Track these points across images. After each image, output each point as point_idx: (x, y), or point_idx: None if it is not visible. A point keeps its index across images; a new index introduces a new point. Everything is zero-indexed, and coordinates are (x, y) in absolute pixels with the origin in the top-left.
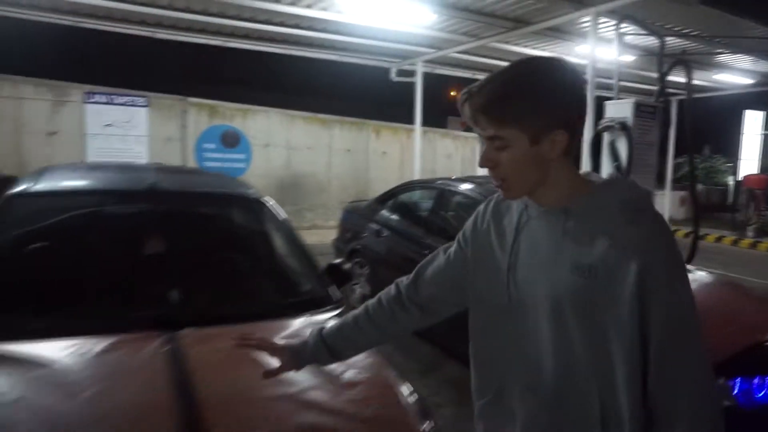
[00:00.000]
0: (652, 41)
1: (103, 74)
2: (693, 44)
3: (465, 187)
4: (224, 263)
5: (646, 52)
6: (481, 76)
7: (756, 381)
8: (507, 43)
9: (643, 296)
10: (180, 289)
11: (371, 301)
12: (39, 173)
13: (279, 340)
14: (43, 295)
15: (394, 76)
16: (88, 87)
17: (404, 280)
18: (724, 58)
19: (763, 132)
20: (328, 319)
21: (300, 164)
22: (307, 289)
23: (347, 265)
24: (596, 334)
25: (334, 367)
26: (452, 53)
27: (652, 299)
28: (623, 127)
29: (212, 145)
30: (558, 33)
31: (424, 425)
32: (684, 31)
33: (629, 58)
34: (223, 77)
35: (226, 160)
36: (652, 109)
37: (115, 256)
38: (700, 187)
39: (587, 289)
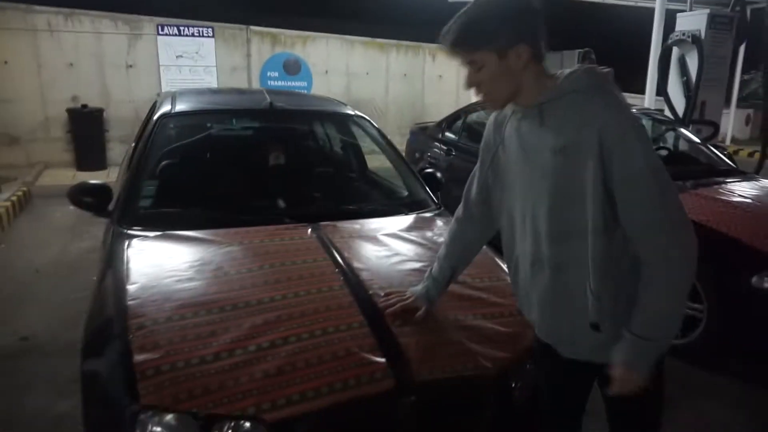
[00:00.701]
0: None
1: (173, 6)
2: None
3: None
4: (342, 171)
5: None
6: None
7: None
8: None
9: (602, 156)
10: (312, 192)
11: (449, 230)
12: (172, 98)
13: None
14: (208, 195)
15: None
16: (159, 20)
17: (460, 207)
18: None
19: None
20: (432, 216)
21: (359, 90)
22: (412, 193)
23: (439, 174)
24: (577, 205)
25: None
26: None
27: (612, 158)
28: (695, 40)
29: (275, 73)
30: None
31: None
32: None
33: None
34: (284, 5)
35: (289, 87)
36: (727, 20)
37: (255, 165)
38: None
39: (565, 166)
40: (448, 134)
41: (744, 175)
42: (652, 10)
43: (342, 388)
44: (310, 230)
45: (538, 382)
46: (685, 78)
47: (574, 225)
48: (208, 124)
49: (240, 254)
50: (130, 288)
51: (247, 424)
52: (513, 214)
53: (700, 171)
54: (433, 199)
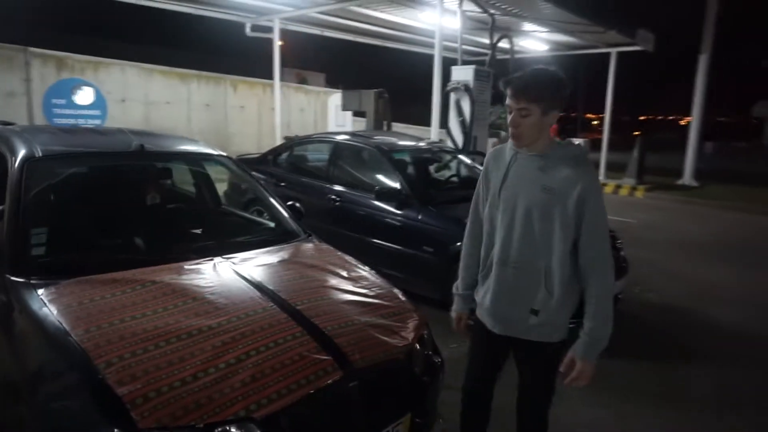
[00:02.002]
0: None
1: None
2: (511, 18)
3: (358, 140)
4: (217, 207)
5: (482, 24)
6: (339, 36)
7: None
8: (363, 7)
9: (581, 206)
10: (202, 228)
11: (464, 246)
12: (22, 138)
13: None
14: (101, 238)
15: (249, 32)
16: None
17: (468, 222)
18: (528, 27)
19: None
20: (308, 242)
21: (160, 119)
22: (284, 223)
23: (299, 205)
24: (548, 229)
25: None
26: (311, 13)
27: (585, 208)
28: (466, 88)
29: (62, 101)
30: (407, 1)
31: (413, 307)
32: (507, 9)
33: (454, 23)
34: (71, 26)
35: (80, 116)
36: (486, 73)
37: (134, 206)
38: (503, 133)
39: (548, 201)
40: (275, 167)
41: None
42: (432, 56)
43: (306, 383)
44: (216, 264)
45: (472, 349)
46: (461, 118)
47: (539, 241)
48: (79, 168)
49: (167, 290)
50: (76, 332)
51: (246, 424)
52: (495, 223)
53: None
54: (303, 228)
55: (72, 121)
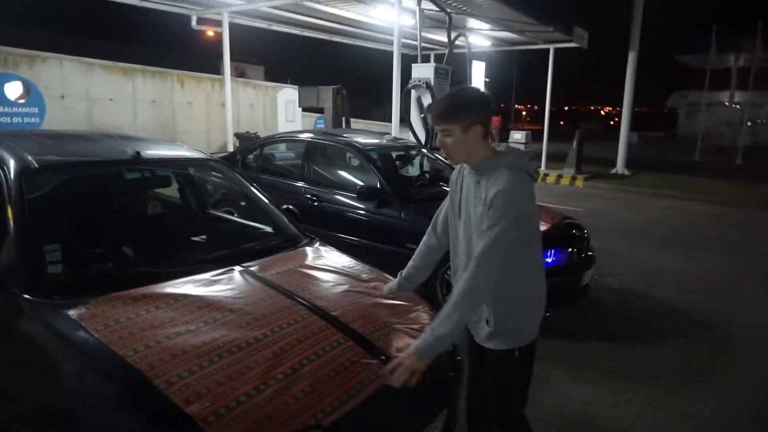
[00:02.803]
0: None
1: None
2: (463, 15)
3: (332, 138)
4: (216, 214)
5: (436, 21)
6: (291, 31)
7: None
8: (316, 2)
9: (487, 210)
10: (213, 236)
11: (420, 247)
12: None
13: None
14: (115, 252)
15: (194, 24)
16: None
17: (429, 227)
18: (474, 24)
19: (485, 79)
20: (313, 249)
21: (103, 116)
22: (287, 229)
23: (293, 208)
24: (474, 234)
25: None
26: (263, 7)
27: (490, 211)
28: (428, 86)
29: None
30: None
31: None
32: (460, 7)
33: (411, 21)
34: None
35: (14, 114)
36: (445, 70)
37: (140, 217)
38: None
39: (482, 213)
40: (244, 167)
41: None
42: (387, 52)
43: (361, 387)
44: (238, 273)
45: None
46: (423, 115)
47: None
48: (78, 179)
49: (200, 304)
50: (125, 353)
51: None
52: (457, 233)
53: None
54: (303, 232)
55: (5, 120)
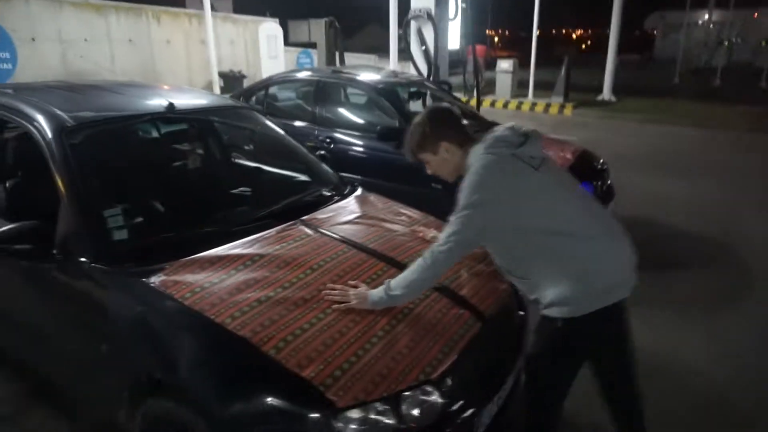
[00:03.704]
0: None
1: None
2: None
3: (343, 77)
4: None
5: None
6: None
7: None
8: None
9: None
10: (264, 189)
11: None
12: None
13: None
14: (177, 214)
15: None
16: None
17: None
18: None
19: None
20: (364, 197)
21: (78, 60)
22: (330, 177)
23: (324, 153)
24: None
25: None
26: None
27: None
28: (429, 16)
29: None
30: None
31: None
32: None
33: None
34: None
35: None
36: None
37: (189, 172)
38: None
39: None
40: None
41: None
42: None
43: (458, 338)
44: (303, 227)
45: None
46: (424, 47)
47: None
48: (117, 136)
49: (279, 263)
50: (223, 320)
51: (428, 388)
52: None
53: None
54: (344, 178)
55: None
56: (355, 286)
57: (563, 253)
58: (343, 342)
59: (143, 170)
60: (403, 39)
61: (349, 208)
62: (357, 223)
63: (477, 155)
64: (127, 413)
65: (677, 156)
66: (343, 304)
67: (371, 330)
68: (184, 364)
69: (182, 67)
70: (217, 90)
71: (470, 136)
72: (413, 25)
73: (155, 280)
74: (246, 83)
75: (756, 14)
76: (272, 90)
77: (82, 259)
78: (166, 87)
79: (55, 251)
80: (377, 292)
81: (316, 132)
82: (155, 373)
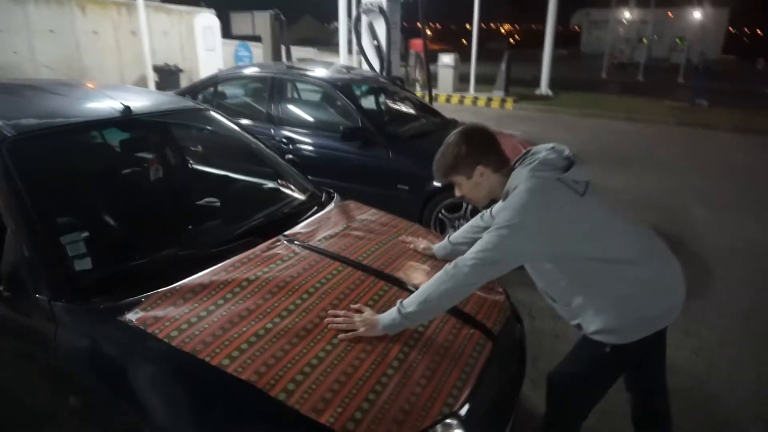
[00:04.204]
0: None
1: None
2: None
3: (300, 74)
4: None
5: None
6: None
7: None
8: None
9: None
10: (241, 202)
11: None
12: None
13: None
14: (144, 238)
15: None
16: None
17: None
18: None
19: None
20: (343, 206)
21: None
22: (304, 184)
23: (293, 157)
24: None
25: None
26: None
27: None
28: (381, 10)
29: None
30: None
31: None
32: None
33: None
34: None
35: None
36: None
37: (152, 188)
38: None
39: None
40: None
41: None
42: None
43: (474, 362)
44: (287, 244)
45: None
46: (376, 42)
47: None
48: (67, 147)
49: (271, 288)
50: (220, 362)
51: (450, 421)
52: None
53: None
54: (319, 187)
55: None
56: (359, 310)
57: (612, 281)
58: (357, 377)
59: (101, 187)
60: (354, 33)
61: (331, 219)
62: (344, 236)
63: (522, 177)
64: None
65: (616, 149)
66: (350, 333)
67: (385, 360)
68: (180, 418)
69: (112, 60)
70: (152, 85)
71: (507, 160)
72: (364, 19)
73: (132, 317)
74: (183, 78)
75: (670, 13)
76: (222, 88)
77: (39, 296)
78: (111, 87)
79: (0, 288)
80: (389, 315)
81: (272, 131)
82: (141, 428)
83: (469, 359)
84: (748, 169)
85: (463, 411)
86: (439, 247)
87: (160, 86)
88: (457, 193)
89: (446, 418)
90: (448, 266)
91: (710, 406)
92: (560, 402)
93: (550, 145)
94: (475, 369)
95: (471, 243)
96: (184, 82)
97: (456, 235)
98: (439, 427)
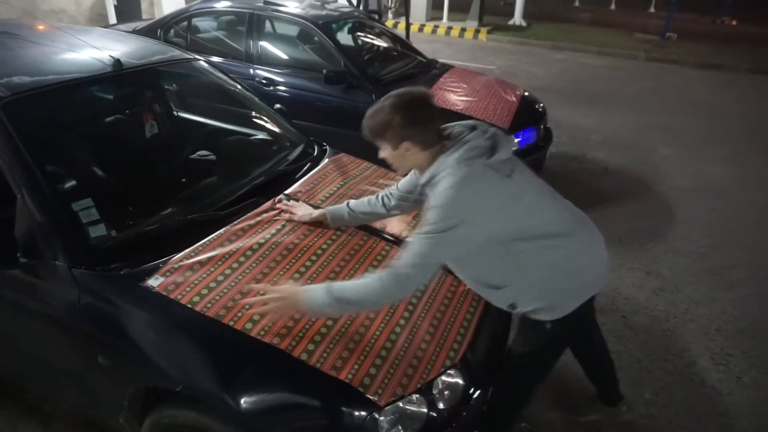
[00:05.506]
0: None
1: None
2: None
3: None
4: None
5: None
6: None
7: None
8: None
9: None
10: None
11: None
12: None
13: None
14: (157, 200)
15: None
16: None
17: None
18: None
19: None
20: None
21: None
22: (296, 137)
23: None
24: None
25: None
26: None
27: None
28: None
29: None
30: None
31: None
32: None
33: None
34: None
35: None
36: None
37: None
38: None
39: None
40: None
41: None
42: None
43: (471, 316)
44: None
45: None
46: None
47: None
48: (62, 106)
49: (282, 251)
50: (245, 327)
51: (451, 371)
52: None
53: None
54: (310, 139)
55: None
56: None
57: (544, 257)
58: (369, 337)
59: (101, 148)
60: None
61: (328, 176)
62: (343, 195)
63: (449, 166)
64: (128, 421)
65: (587, 85)
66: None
67: (392, 319)
68: (211, 378)
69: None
70: (111, 11)
71: (438, 140)
72: None
73: (153, 283)
74: (144, 5)
75: None
76: (196, 22)
77: (57, 263)
78: (83, 30)
79: (19, 254)
80: (315, 293)
81: (251, 71)
82: (171, 384)
83: (466, 314)
84: (713, 105)
85: (464, 361)
86: (333, 211)
87: (120, 11)
88: (380, 155)
89: (450, 369)
90: (383, 274)
91: (667, 341)
92: (521, 378)
93: (471, 123)
94: (472, 324)
95: (370, 215)
96: (145, 5)
97: (357, 204)
98: (444, 377)
